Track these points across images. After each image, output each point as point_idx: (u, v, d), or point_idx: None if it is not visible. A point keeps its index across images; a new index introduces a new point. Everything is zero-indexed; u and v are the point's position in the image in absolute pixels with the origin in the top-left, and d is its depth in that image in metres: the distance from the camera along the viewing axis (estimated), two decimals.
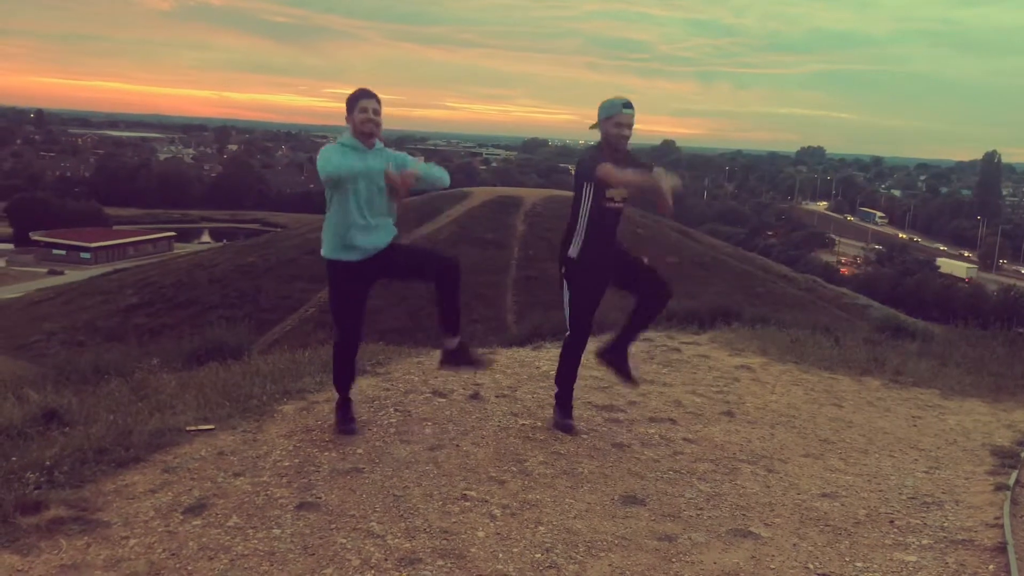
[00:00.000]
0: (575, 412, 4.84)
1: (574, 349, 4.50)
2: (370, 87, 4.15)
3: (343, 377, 4.33)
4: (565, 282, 4.40)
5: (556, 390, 4.58)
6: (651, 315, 4.60)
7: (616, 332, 4.62)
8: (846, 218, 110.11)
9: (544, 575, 3.00)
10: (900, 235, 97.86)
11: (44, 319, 36.59)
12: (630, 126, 4.29)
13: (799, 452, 4.50)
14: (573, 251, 4.34)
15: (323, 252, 4.17)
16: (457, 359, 4.33)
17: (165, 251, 66.19)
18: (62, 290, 42.98)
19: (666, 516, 3.54)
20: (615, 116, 4.26)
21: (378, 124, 4.11)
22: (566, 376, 4.55)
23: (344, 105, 4.13)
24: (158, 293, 37.57)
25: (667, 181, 4.02)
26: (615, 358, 4.59)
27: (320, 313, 32.41)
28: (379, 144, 4.17)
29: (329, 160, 3.98)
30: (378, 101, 4.12)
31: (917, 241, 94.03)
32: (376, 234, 4.11)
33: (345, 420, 4.27)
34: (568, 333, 4.50)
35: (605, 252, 4.34)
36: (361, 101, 4.08)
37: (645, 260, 4.50)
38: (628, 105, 4.28)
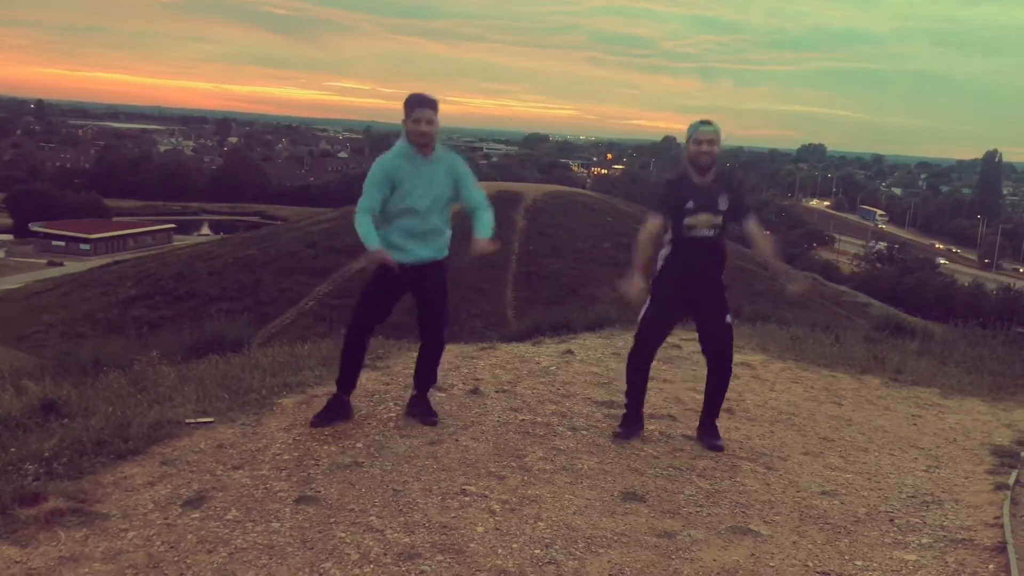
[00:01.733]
0: (578, 408, 4.85)
1: (632, 358, 4.46)
2: (427, 93, 4.13)
3: (344, 373, 4.30)
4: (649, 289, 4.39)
5: (626, 399, 4.53)
6: (719, 387, 4.46)
7: (703, 411, 4.53)
8: (860, 219, 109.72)
9: (543, 571, 2.99)
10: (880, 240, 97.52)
11: (43, 310, 36.58)
12: (710, 142, 4.24)
13: (799, 450, 4.49)
14: (659, 271, 4.36)
15: (372, 246, 4.11)
16: (414, 409, 4.44)
17: (164, 243, 66.10)
18: (61, 281, 42.94)
19: (666, 513, 3.54)
20: (693, 135, 4.27)
21: (432, 136, 4.07)
22: (633, 382, 4.48)
23: (402, 106, 4.10)
24: (157, 285, 37.51)
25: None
26: (712, 436, 4.44)
27: (320, 307, 32.43)
28: (437, 152, 4.14)
29: (358, 222, 4.02)
30: (434, 109, 4.07)
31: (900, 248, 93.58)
32: (423, 247, 4.14)
33: (323, 413, 4.23)
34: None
35: (693, 275, 4.29)
36: (417, 110, 4.04)
37: (728, 319, 4.39)
38: (706, 123, 4.28)
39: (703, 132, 4.25)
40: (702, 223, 4.24)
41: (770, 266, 4.46)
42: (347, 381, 4.32)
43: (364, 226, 4.02)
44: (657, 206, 4.35)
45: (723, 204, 4.26)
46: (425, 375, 4.47)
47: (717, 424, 4.48)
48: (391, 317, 4.32)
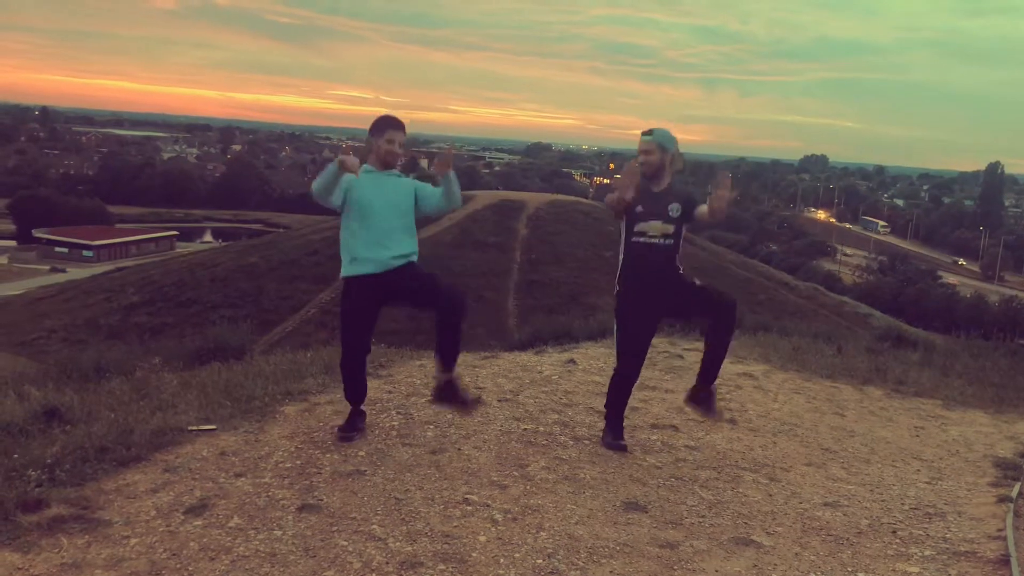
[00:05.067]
0: (580, 418, 4.85)
1: (618, 381, 4.43)
2: (395, 115, 4.23)
3: (348, 390, 4.32)
4: (615, 315, 4.39)
5: (606, 411, 4.49)
6: (722, 340, 4.39)
7: (699, 371, 4.49)
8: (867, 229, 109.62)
9: None
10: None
11: (46, 316, 36.62)
12: (647, 152, 4.28)
13: (801, 461, 4.48)
14: (616, 287, 4.36)
15: (341, 273, 4.20)
16: (445, 395, 4.25)
17: (167, 250, 66.23)
18: (64, 288, 42.98)
19: (668, 523, 3.54)
20: (639, 146, 4.33)
21: (400, 157, 4.20)
22: (614, 402, 4.46)
23: (370, 129, 4.19)
24: (160, 292, 37.56)
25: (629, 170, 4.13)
26: (699, 398, 4.46)
27: (322, 314, 32.45)
28: (395, 172, 4.23)
29: (315, 182, 4.04)
30: (404, 132, 4.19)
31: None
32: (386, 250, 4.11)
33: (346, 427, 4.23)
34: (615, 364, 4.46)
35: (649, 289, 4.27)
36: (389, 132, 4.16)
37: (697, 282, 4.36)
38: (646, 133, 4.33)
39: (641, 142, 4.33)
40: (653, 230, 4.25)
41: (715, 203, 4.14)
42: (356, 397, 4.33)
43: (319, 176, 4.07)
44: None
45: (675, 212, 4.25)
46: (448, 347, 4.16)
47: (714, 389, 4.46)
48: (382, 324, 4.31)
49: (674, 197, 4.28)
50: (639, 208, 4.23)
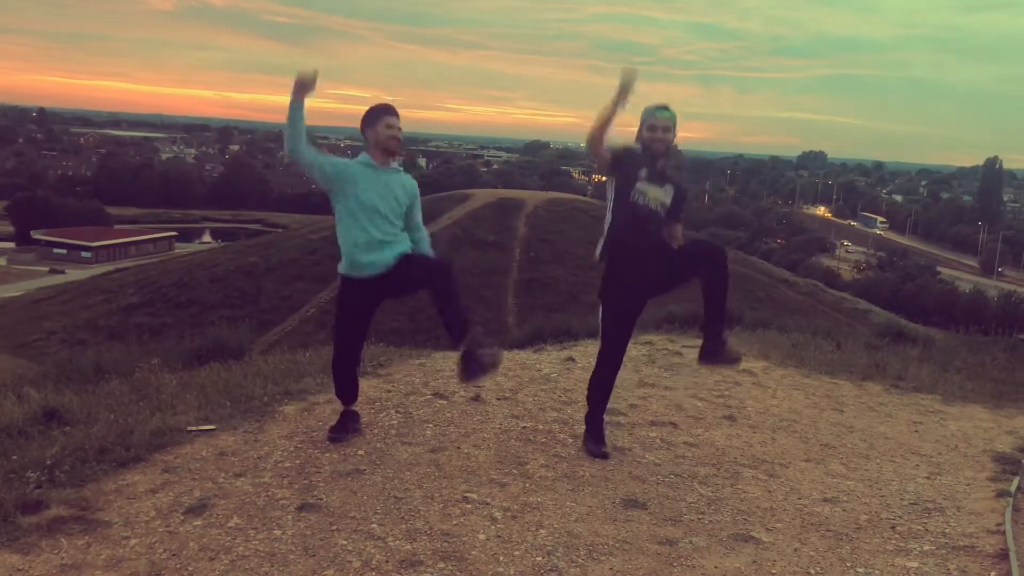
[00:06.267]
0: (579, 416, 4.84)
1: (602, 370, 4.26)
2: (388, 101, 4.15)
3: (339, 390, 4.28)
4: (599, 295, 4.20)
5: (587, 410, 4.32)
6: (719, 290, 4.08)
7: (704, 327, 4.25)
8: (853, 225, 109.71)
9: None
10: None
11: (45, 318, 36.62)
12: (666, 129, 4.09)
13: (800, 457, 4.49)
14: (601, 260, 4.14)
15: (339, 268, 4.14)
16: (470, 368, 3.83)
17: (166, 251, 66.22)
18: (63, 289, 42.98)
19: (667, 520, 3.54)
20: (648, 120, 4.12)
21: (400, 142, 4.11)
22: (597, 398, 4.28)
23: (363, 119, 4.09)
24: (159, 293, 37.57)
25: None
26: (715, 352, 4.14)
27: (321, 314, 32.45)
28: (396, 164, 4.15)
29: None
30: (398, 118, 4.10)
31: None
32: (383, 251, 4.02)
33: (337, 428, 4.18)
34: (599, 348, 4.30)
35: (640, 261, 4.07)
36: (387, 117, 4.06)
37: (677, 245, 4.18)
38: (663, 108, 4.13)
39: (659, 118, 4.09)
40: (652, 195, 4.07)
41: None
42: (348, 398, 4.30)
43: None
44: (612, 150, 4.11)
45: (668, 194, 4.11)
46: (456, 314, 3.85)
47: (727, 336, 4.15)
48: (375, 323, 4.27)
49: (670, 181, 4.13)
50: (643, 172, 4.06)
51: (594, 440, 4.24)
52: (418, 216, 4.24)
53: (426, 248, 4.23)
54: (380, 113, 4.08)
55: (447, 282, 3.88)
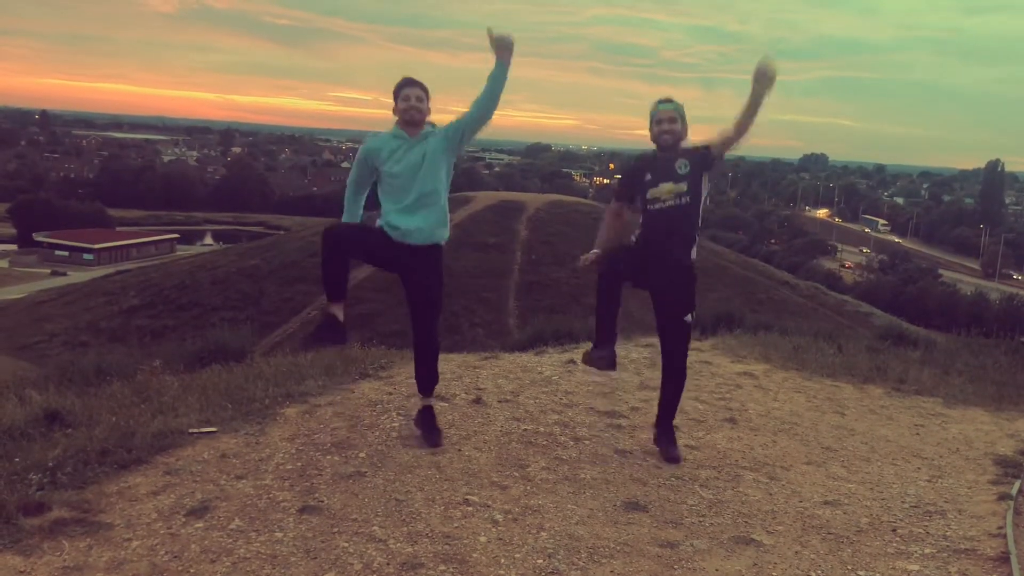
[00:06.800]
0: (580, 418, 4.85)
1: (598, 281, 4.24)
2: (413, 76, 4.19)
3: (327, 279, 4.10)
4: None
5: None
6: (666, 395, 4.37)
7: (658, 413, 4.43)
8: (864, 230, 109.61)
9: None
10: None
11: (46, 320, 36.63)
12: (671, 120, 4.13)
13: (801, 459, 4.49)
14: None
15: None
16: (419, 421, 4.32)
17: (168, 253, 66.22)
18: (65, 291, 43.00)
19: (668, 523, 3.54)
20: (653, 115, 4.18)
21: (421, 111, 4.13)
22: (597, 312, 4.29)
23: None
24: (160, 295, 37.56)
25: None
26: (660, 440, 4.35)
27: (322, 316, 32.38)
28: (427, 130, 4.16)
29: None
30: (423, 88, 4.15)
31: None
32: (414, 218, 4.08)
33: (315, 332, 4.17)
34: None
35: (646, 251, 4.16)
36: (404, 90, 4.14)
37: (688, 319, 4.28)
38: (665, 101, 4.19)
39: (662, 111, 4.14)
40: (664, 192, 4.11)
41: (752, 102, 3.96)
42: (334, 292, 4.11)
43: (346, 198, 4.34)
44: (616, 192, 4.29)
45: (683, 168, 4.10)
46: (426, 375, 4.30)
47: (675, 428, 4.34)
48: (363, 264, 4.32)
49: (679, 155, 4.13)
50: (648, 177, 4.14)
51: (593, 344, 4.29)
52: (465, 116, 4.18)
53: (501, 80, 4.13)
54: (398, 88, 4.17)
55: (428, 352, 4.26)
